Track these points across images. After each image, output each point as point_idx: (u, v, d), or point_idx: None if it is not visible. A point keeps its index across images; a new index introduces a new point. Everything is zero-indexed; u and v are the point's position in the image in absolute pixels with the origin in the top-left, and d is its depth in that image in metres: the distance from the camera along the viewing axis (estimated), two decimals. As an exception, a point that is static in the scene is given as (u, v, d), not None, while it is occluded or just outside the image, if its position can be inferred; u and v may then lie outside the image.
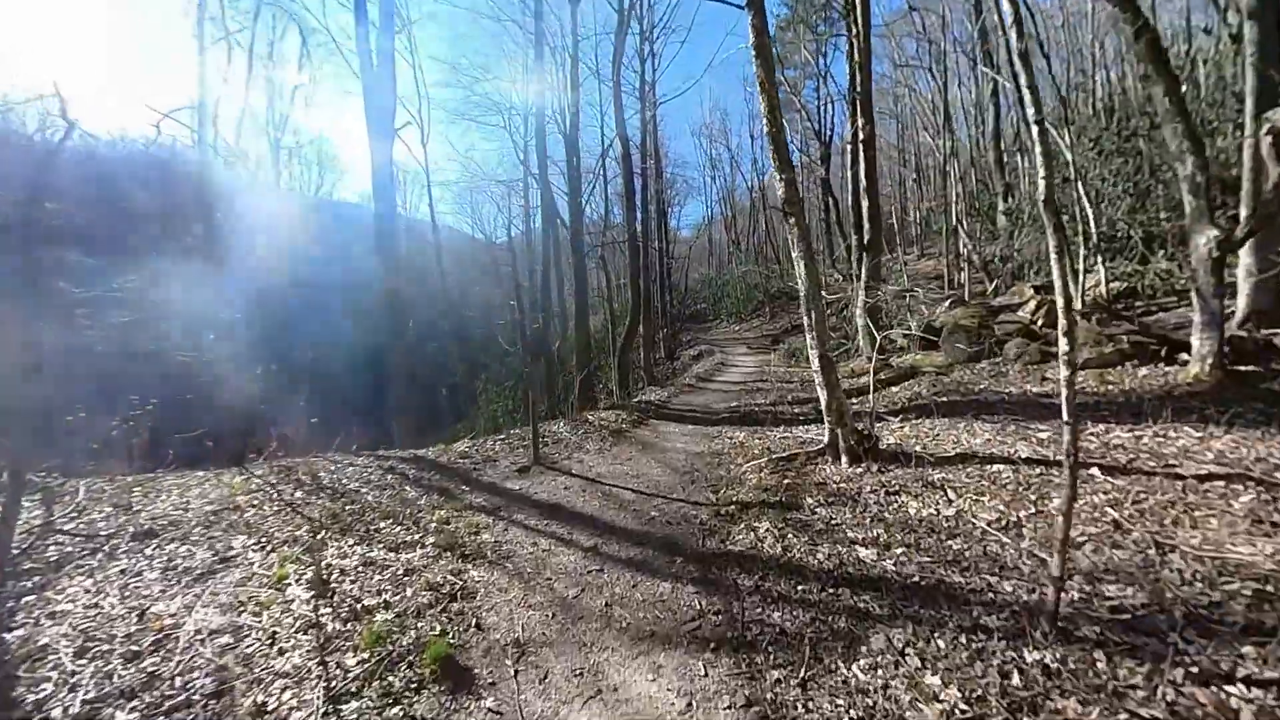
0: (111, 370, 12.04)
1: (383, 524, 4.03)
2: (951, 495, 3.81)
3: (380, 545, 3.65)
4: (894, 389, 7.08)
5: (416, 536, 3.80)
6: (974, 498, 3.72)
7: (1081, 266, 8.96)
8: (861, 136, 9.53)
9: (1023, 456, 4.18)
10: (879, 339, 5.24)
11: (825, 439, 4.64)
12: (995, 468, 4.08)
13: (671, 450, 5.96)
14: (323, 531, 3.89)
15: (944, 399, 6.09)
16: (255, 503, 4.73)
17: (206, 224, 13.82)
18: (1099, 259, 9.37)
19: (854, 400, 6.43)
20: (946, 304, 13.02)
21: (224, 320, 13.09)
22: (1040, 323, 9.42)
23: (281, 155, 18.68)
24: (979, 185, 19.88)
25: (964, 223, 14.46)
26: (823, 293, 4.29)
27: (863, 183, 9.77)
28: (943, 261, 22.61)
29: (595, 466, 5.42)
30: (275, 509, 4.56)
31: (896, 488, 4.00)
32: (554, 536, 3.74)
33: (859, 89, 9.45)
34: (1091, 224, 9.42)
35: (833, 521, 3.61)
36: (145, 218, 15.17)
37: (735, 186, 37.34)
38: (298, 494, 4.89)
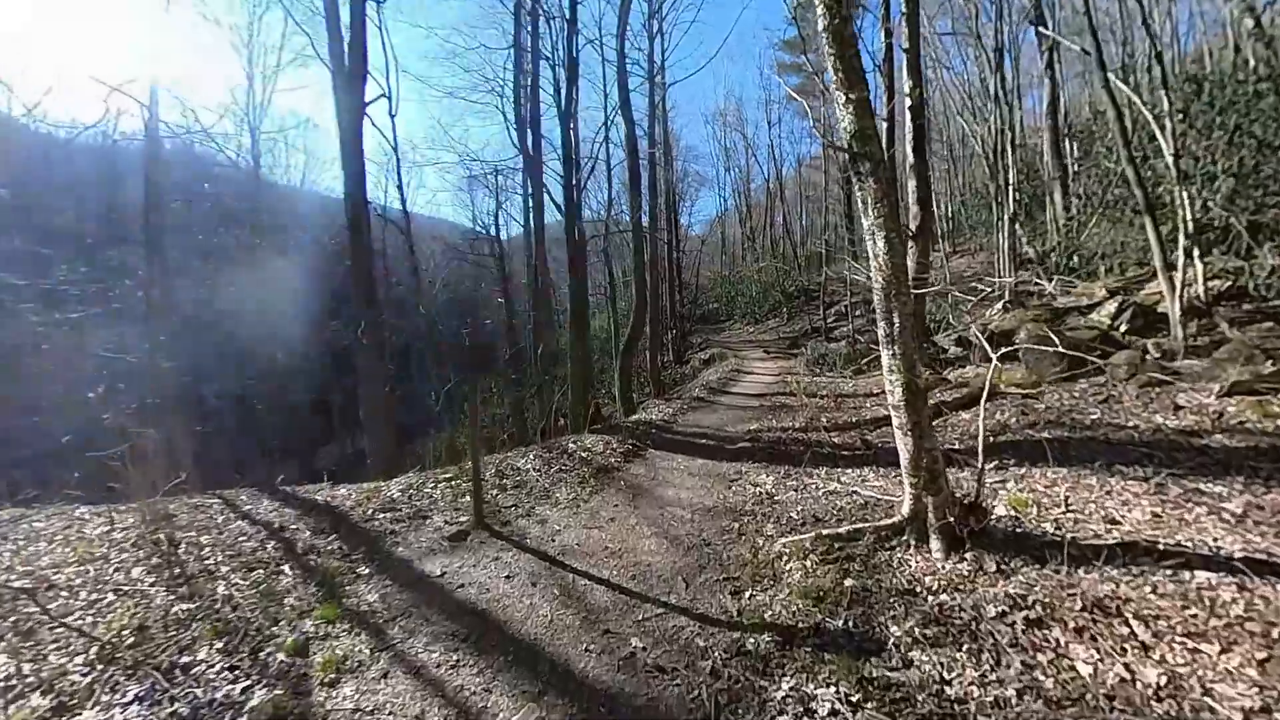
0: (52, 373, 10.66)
1: (203, 652, 2.52)
2: (1144, 634, 2.22)
3: (169, 710, 2.14)
4: (964, 415, 5.47)
5: (239, 687, 2.29)
6: (1188, 643, 2.14)
7: (1181, 260, 7.29)
8: (909, 103, 7.87)
9: (1234, 555, 2.58)
10: (984, 347, 3.63)
11: (905, 506, 3.05)
12: (1198, 576, 2.48)
13: (672, 503, 4.37)
14: (100, 667, 2.40)
15: (1046, 434, 4.47)
16: (80, 580, 3.29)
17: (167, 214, 12.52)
18: (1195, 252, 7.71)
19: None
20: (999, 306, 11.29)
21: (181, 318, 11.79)
22: (1124, 329, 7.79)
23: (261, 139, 17.38)
24: (1020, 174, 18.05)
25: (1020, 215, 12.72)
26: (909, 284, 2.70)
27: (910, 159, 8.10)
28: (978, 258, 20.76)
29: (561, 532, 3.85)
30: (87, 599, 3.11)
31: (1036, 609, 2.42)
32: (455, 701, 2.19)
33: (906, 45, 7.79)
34: (1187, 210, 7.74)
35: (946, 690, 2.04)
36: (99, 207, 13.92)
37: (751, 178, 35.65)
38: (135, 570, 3.42)
